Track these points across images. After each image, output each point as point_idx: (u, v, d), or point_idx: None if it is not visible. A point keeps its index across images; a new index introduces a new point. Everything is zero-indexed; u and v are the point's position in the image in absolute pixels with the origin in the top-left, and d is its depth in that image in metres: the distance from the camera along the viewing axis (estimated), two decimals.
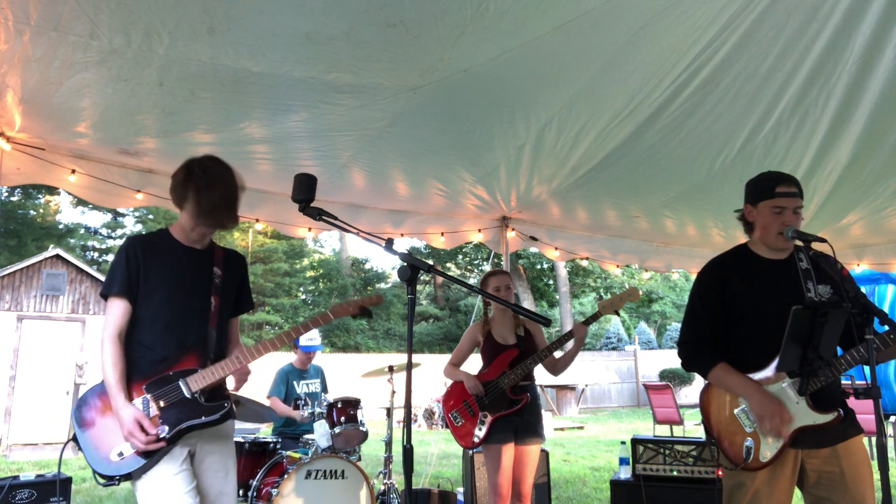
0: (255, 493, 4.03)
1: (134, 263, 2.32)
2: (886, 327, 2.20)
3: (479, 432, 3.65)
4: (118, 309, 2.30)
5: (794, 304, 2.23)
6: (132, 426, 2.17)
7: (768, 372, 2.41)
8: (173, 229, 2.47)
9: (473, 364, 3.85)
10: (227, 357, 2.43)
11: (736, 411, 2.44)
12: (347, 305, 2.59)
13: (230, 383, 2.57)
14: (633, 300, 3.71)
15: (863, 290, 2.30)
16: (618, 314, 3.72)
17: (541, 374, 3.99)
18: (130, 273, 2.31)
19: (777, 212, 2.44)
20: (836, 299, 2.37)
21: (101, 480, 2.18)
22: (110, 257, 26.48)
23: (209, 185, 2.33)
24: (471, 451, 4.72)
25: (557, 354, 3.80)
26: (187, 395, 2.29)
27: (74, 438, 2.23)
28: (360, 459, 4.46)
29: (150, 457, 2.21)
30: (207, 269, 2.47)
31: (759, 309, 2.44)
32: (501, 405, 3.67)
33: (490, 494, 3.62)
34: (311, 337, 5.16)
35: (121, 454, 2.20)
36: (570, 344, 3.72)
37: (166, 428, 2.23)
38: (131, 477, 2.21)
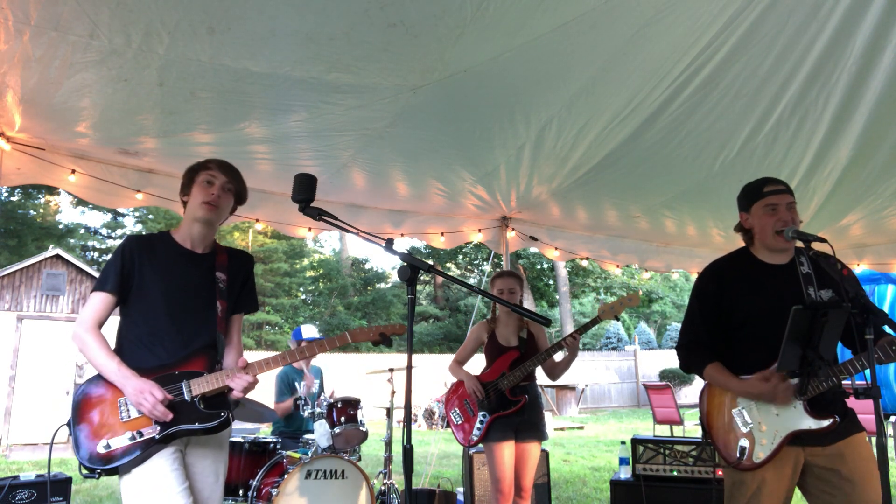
0: (255, 493, 4.02)
1: (129, 262, 2.34)
2: (888, 329, 2.19)
3: (478, 431, 3.74)
4: (102, 302, 2.30)
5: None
6: (146, 389, 2.16)
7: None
8: (175, 232, 2.49)
9: (478, 363, 3.89)
10: (229, 364, 2.43)
11: (734, 411, 2.45)
12: (368, 331, 2.49)
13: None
14: (633, 305, 3.86)
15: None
16: (617, 319, 3.82)
17: (540, 375, 4.02)
18: (124, 271, 2.33)
19: (770, 210, 2.45)
20: (836, 299, 2.38)
21: (83, 472, 2.15)
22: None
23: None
24: (471, 451, 4.73)
25: (558, 358, 3.85)
26: (187, 397, 2.26)
27: (69, 423, 2.20)
28: (360, 459, 4.46)
29: (141, 452, 2.16)
30: (210, 274, 2.46)
31: (759, 313, 2.44)
32: (500, 406, 3.74)
33: (492, 491, 3.69)
34: (309, 329, 5.24)
35: (107, 446, 2.15)
36: (566, 351, 3.76)
37: (158, 428, 2.19)
38: (117, 472, 2.16)
